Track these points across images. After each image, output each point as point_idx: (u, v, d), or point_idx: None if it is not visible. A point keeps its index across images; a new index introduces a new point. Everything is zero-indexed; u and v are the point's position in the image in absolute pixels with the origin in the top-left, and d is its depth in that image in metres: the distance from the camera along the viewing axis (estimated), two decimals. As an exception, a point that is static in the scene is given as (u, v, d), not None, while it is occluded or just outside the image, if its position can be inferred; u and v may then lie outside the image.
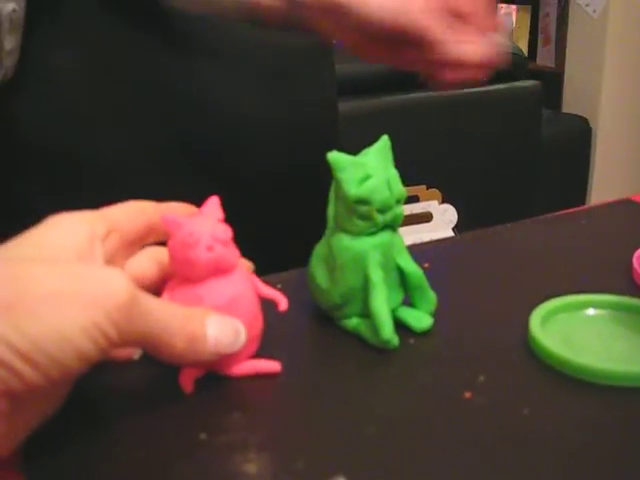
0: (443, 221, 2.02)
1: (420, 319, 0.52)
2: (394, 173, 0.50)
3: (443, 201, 2.03)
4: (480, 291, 0.59)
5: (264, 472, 0.38)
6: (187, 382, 0.45)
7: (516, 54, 2.29)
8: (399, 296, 0.53)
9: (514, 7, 3.01)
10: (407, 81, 1.94)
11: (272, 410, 0.44)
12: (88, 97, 0.73)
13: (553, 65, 2.82)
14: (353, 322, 0.52)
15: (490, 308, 0.56)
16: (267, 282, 0.50)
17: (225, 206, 0.48)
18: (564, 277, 0.59)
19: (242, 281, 0.47)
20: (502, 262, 0.64)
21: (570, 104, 2.63)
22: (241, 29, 0.78)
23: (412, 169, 2.00)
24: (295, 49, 0.85)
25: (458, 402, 0.44)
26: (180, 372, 0.46)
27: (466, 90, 1.98)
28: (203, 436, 0.41)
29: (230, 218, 0.47)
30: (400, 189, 0.50)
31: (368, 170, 0.49)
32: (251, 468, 0.39)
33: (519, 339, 0.50)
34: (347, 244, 0.50)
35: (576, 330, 0.51)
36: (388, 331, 0.48)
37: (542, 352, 0.47)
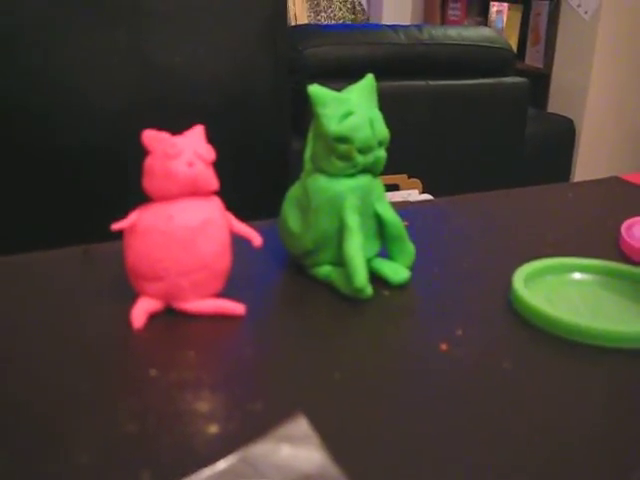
0: (422, 211, 1.99)
1: (397, 271, 0.49)
2: (377, 113, 0.47)
3: (423, 191, 2.00)
4: (462, 250, 0.56)
5: (216, 411, 0.35)
6: (139, 316, 0.42)
7: (505, 50, 2.27)
8: (376, 246, 0.49)
9: (506, 5, 2.99)
10: (394, 68, 1.92)
11: (231, 351, 0.41)
12: None
13: (541, 65, 2.81)
14: (325, 270, 0.49)
15: (472, 266, 0.52)
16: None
17: None
18: (550, 243, 0.57)
19: (216, 209, 0.44)
20: (487, 225, 0.61)
21: (556, 104, 2.62)
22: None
23: (394, 158, 1.98)
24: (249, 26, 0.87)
25: (432, 354, 0.40)
26: (134, 305, 0.42)
27: (453, 82, 1.96)
28: (153, 372, 0.38)
29: None
30: (383, 130, 0.47)
31: (350, 107, 0.46)
32: (202, 406, 0.35)
33: (500, 296, 0.47)
34: (324, 185, 0.47)
35: (560, 292, 0.48)
36: (362, 278, 0.45)
37: (524, 308, 0.44)
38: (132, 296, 0.43)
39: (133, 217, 0.42)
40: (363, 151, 0.46)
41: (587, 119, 2.52)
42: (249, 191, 0.93)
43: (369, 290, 0.46)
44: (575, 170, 2.56)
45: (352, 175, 0.47)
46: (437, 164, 2.16)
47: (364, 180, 0.47)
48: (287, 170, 0.99)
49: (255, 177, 0.92)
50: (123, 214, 0.43)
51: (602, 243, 0.57)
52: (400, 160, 1.96)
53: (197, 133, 0.44)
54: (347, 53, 1.94)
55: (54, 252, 0.53)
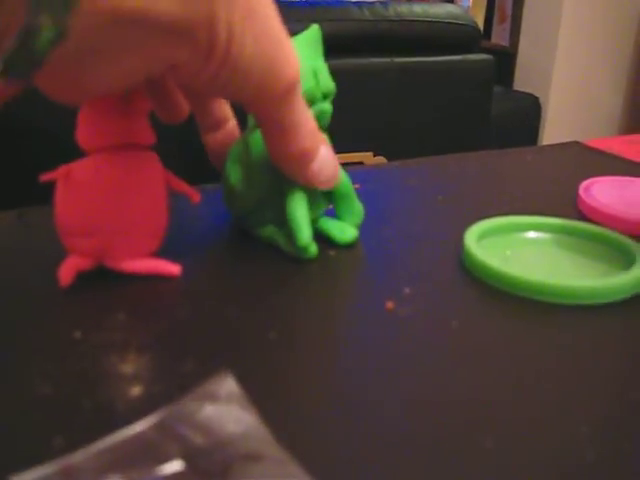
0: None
1: (344, 231, 0.46)
2: (323, 65, 0.45)
3: (389, 169, 1.99)
4: (415, 212, 0.53)
5: (141, 373, 0.32)
6: (66, 274, 0.39)
7: (471, 26, 2.25)
8: (322, 205, 0.47)
9: (472, -16, 2.98)
10: (359, 45, 1.89)
11: (163, 312, 0.38)
12: None
13: (507, 44, 2.80)
14: (268, 230, 0.46)
15: (424, 227, 0.50)
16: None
17: None
18: (506, 202, 0.54)
19: (152, 163, 0.41)
20: (442, 187, 0.59)
21: (522, 82, 2.61)
22: None
23: (360, 135, 1.95)
24: None
25: (377, 312, 0.38)
26: (62, 262, 0.39)
27: (418, 59, 1.94)
28: (77, 334, 0.35)
29: None
30: (328, 82, 0.44)
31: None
32: (127, 368, 0.33)
33: (452, 255, 0.45)
34: (254, 138, 0.44)
35: (516, 250, 0.46)
36: (305, 236, 0.43)
37: (476, 265, 0.42)
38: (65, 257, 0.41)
39: (64, 169, 0.39)
40: (306, 103, 0.43)
41: (552, 96, 2.52)
42: (198, 153, 0.89)
43: (313, 248, 0.43)
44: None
45: None
46: (402, 142, 2.14)
47: None
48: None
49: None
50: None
51: (560, 204, 0.55)
52: (365, 138, 1.94)
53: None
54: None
55: None
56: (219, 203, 0.49)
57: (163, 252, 0.42)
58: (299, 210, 0.43)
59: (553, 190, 0.58)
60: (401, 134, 2.16)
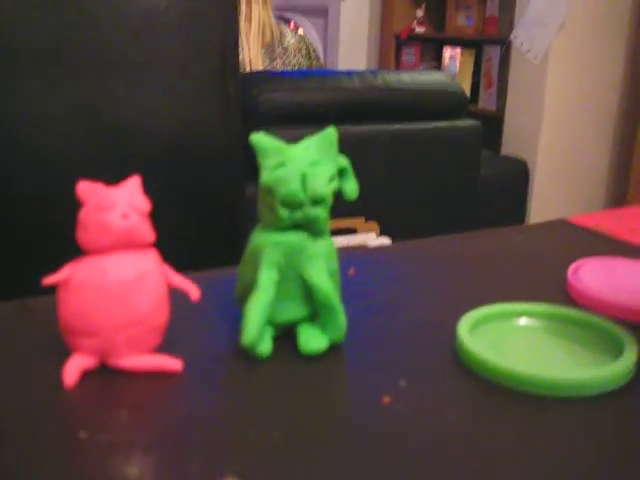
0: (380, 254, 1.99)
1: (311, 340, 0.45)
2: (323, 169, 0.44)
3: (381, 234, 2.01)
4: (408, 298, 0.55)
5: (147, 474, 0.33)
6: (70, 374, 0.40)
7: (458, 93, 2.30)
8: (301, 309, 0.46)
9: (458, 50, 3.05)
10: (349, 113, 1.93)
11: (165, 409, 0.39)
12: None
13: (494, 108, 2.86)
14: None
15: (417, 315, 0.52)
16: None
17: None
18: (497, 287, 0.56)
19: (152, 261, 0.42)
20: (436, 271, 0.60)
21: (509, 146, 2.66)
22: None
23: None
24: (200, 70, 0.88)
25: (375, 407, 0.39)
26: (66, 362, 0.40)
27: (408, 125, 1.98)
28: (83, 434, 0.36)
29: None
30: (320, 188, 0.43)
31: (284, 158, 0.44)
32: (133, 470, 0.34)
33: (445, 345, 0.46)
34: (253, 235, 0.46)
35: (507, 338, 0.47)
36: (249, 336, 0.43)
37: (469, 358, 0.43)
38: (67, 353, 0.42)
39: (66, 271, 0.41)
40: (289, 206, 0.43)
41: (540, 160, 2.57)
42: (199, 240, 0.92)
43: (261, 350, 0.44)
44: (530, 211, 2.60)
45: (282, 230, 0.44)
46: (393, 206, 2.17)
47: (292, 237, 0.45)
48: (239, 219, 0.98)
49: (206, 226, 0.91)
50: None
51: (549, 287, 0.57)
52: (357, 203, 1.96)
53: (133, 184, 0.43)
54: (302, 99, 1.95)
55: None
56: (220, 290, 0.50)
57: (165, 346, 0.43)
58: (253, 309, 0.43)
59: (542, 273, 0.60)
60: (392, 198, 2.19)
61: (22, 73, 0.78)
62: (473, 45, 3.01)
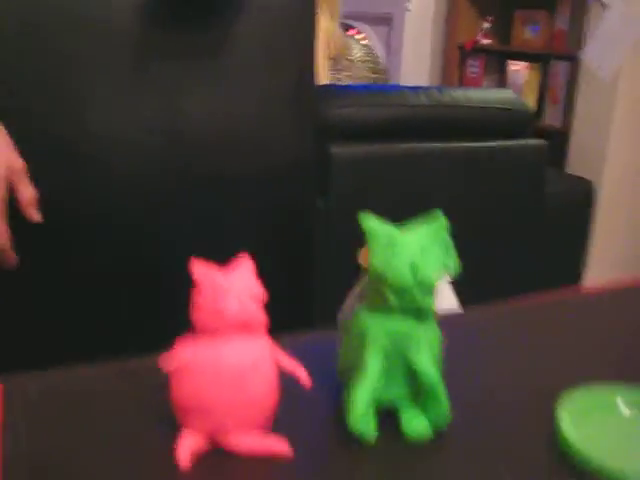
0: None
1: (414, 423, 0.46)
2: (432, 258, 0.43)
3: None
4: (500, 373, 0.53)
5: None
6: (184, 456, 0.41)
7: (524, 111, 2.27)
8: (404, 388, 0.46)
9: (525, 64, 3.00)
10: (414, 130, 1.92)
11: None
12: None
13: (560, 125, 2.81)
14: (345, 399, 0.47)
15: (507, 390, 0.51)
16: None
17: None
18: (589, 362, 0.55)
19: (266, 347, 0.43)
20: (525, 340, 0.59)
21: (574, 165, 2.61)
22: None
23: (414, 219, 1.97)
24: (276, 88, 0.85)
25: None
26: (177, 443, 0.41)
27: (473, 144, 1.95)
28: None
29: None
30: (429, 278, 0.43)
31: (396, 246, 0.44)
32: None
33: (545, 430, 0.45)
34: (360, 316, 0.46)
35: (610, 430, 0.46)
36: (356, 424, 0.43)
37: (572, 451, 0.42)
38: (174, 425, 0.42)
39: (181, 356, 0.41)
40: (398, 292, 0.43)
41: (606, 181, 2.51)
42: (270, 264, 0.90)
43: (367, 435, 0.44)
44: (595, 231, 2.55)
45: (390, 315, 0.45)
46: (458, 225, 2.14)
47: (402, 324, 0.45)
48: (311, 234, 0.96)
49: (281, 241, 0.89)
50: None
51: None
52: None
53: (246, 267, 0.43)
54: (369, 115, 1.94)
55: (87, 369, 0.52)
56: (320, 359, 0.50)
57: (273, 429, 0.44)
58: (359, 394, 0.44)
59: (633, 346, 0.58)
60: (456, 218, 2.15)
61: (95, 88, 0.77)
62: (539, 59, 2.96)
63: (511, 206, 2.22)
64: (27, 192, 0.73)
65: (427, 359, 0.45)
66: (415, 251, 0.43)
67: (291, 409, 0.46)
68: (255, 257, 0.78)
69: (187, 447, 0.41)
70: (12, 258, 0.73)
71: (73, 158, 0.76)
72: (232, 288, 0.41)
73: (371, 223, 0.44)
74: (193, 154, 0.78)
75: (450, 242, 0.46)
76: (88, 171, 0.77)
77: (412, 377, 0.45)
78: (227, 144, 0.81)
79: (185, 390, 0.41)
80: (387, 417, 0.46)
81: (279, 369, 0.44)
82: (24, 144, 0.74)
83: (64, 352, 0.56)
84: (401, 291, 0.43)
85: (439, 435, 0.45)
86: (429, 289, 0.44)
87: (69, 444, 0.42)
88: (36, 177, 0.74)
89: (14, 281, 0.76)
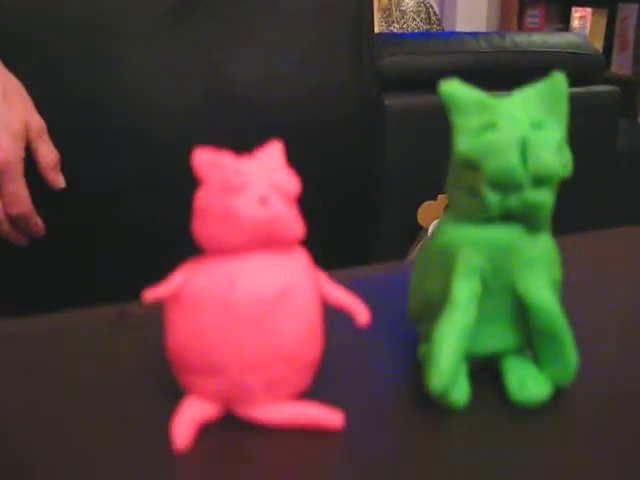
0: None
1: (526, 383, 0.33)
2: (549, 135, 0.31)
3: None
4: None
5: None
6: (183, 431, 0.29)
7: (594, 56, 2.11)
8: (509, 336, 0.34)
9: (589, 10, 2.82)
10: (476, 78, 1.78)
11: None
12: None
13: (630, 73, 2.63)
14: (422, 350, 0.35)
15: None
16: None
17: None
18: None
19: (302, 269, 0.31)
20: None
21: (648, 115, 2.44)
22: None
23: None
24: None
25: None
26: (176, 413, 0.29)
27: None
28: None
29: None
30: (546, 162, 0.30)
31: (496, 117, 0.31)
32: None
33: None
34: (442, 230, 0.33)
35: None
36: (439, 380, 0.30)
37: None
38: (179, 392, 0.31)
39: (177, 280, 0.29)
40: (501, 187, 0.31)
41: (684, 130, 2.34)
42: (332, 216, 0.81)
43: (455, 397, 0.31)
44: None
45: (488, 222, 0.32)
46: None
47: (505, 234, 0.32)
48: (374, 195, 0.88)
49: (340, 202, 0.82)
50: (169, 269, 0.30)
51: None
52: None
53: (273, 153, 0.30)
54: (425, 63, 1.83)
55: (83, 313, 0.42)
56: (383, 299, 0.38)
57: (315, 389, 0.32)
58: (446, 339, 0.31)
59: None
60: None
61: (139, 32, 0.71)
62: (605, 4, 2.77)
63: (583, 157, 2.06)
64: (48, 153, 0.67)
65: (543, 285, 0.32)
66: (524, 126, 0.31)
67: (342, 362, 0.34)
68: (314, 218, 0.70)
69: (188, 420, 0.29)
70: (37, 225, 0.68)
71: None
72: (250, 181, 0.28)
73: (456, 90, 0.32)
74: (243, 120, 0.71)
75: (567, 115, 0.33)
76: (121, 141, 0.70)
77: (520, 319, 0.33)
78: (278, 106, 0.75)
79: (183, 337, 0.29)
80: (482, 373, 0.34)
81: (323, 302, 0.31)
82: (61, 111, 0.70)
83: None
84: (506, 184, 0.30)
85: (559, 396, 0.32)
86: (546, 180, 0.31)
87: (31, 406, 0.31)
88: (66, 145, 0.67)
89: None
